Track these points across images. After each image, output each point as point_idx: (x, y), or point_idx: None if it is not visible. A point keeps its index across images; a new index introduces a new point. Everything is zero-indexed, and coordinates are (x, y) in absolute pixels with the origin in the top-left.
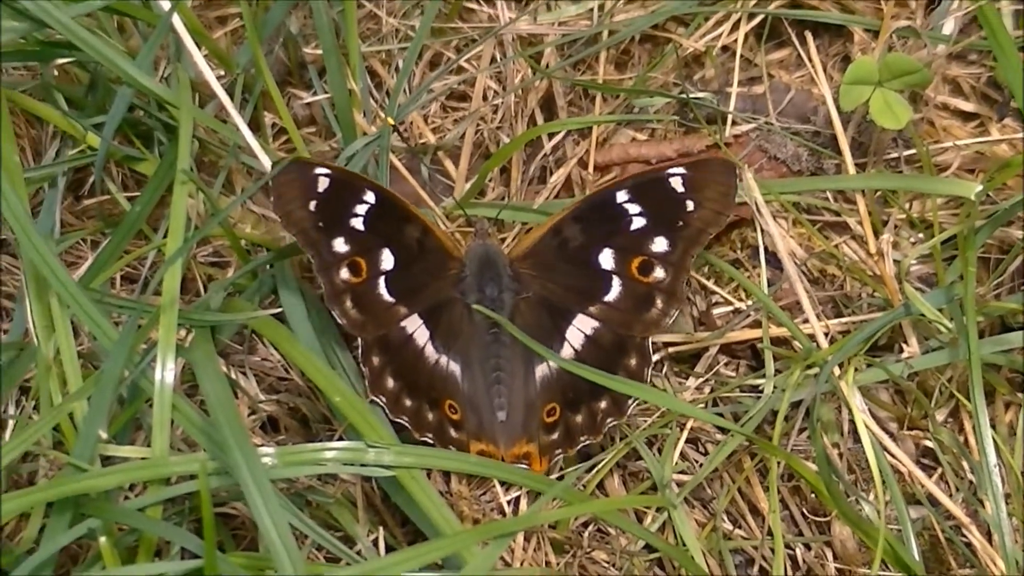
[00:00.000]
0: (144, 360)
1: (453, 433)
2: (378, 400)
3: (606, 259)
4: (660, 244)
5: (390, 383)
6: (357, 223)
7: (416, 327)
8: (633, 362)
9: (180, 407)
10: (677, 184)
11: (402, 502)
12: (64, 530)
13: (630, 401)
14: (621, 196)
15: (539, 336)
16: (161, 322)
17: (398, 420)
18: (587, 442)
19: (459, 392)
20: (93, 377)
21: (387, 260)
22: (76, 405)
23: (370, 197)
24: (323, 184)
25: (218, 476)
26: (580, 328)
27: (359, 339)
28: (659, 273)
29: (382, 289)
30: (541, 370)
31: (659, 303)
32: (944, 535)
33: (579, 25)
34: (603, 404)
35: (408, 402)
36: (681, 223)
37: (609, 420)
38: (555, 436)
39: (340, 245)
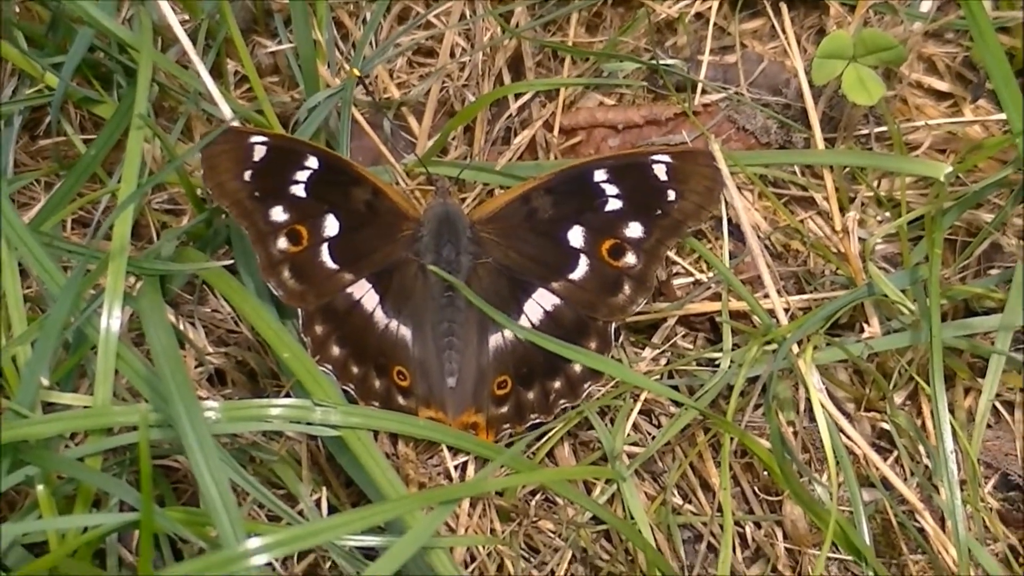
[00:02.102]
0: (91, 307)
1: (401, 400)
2: (324, 367)
3: (576, 236)
4: (635, 229)
5: (335, 351)
6: (298, 190)
7: (364, 292)
8: (594, 345)
9: (125, 356)
10: (660, 172)
11: (347, 463)
12: (2, 476)
13: (586, 384)
14: (599, 175)
15: (496, 304)
16: (109, 269)
17: (345, 387)
18: (537, 421)
19: (409, 357)
20: (38, 322)
21: (331, 226)
22: (19, 349)
23: (313, 162)
24: (259, 152)
25: (161, 428)
26: (540, 302)
27: (299, 309)
28: (630, 259)
29: (325, 256)
30: (495, 339)
31: (627, 289)
32: (897, 519)
33: None
34: (557, 384)
35: (355, 369)
36: (660, 212)
37: (562, 401)
38: (504, 410)
39: (278, 214)
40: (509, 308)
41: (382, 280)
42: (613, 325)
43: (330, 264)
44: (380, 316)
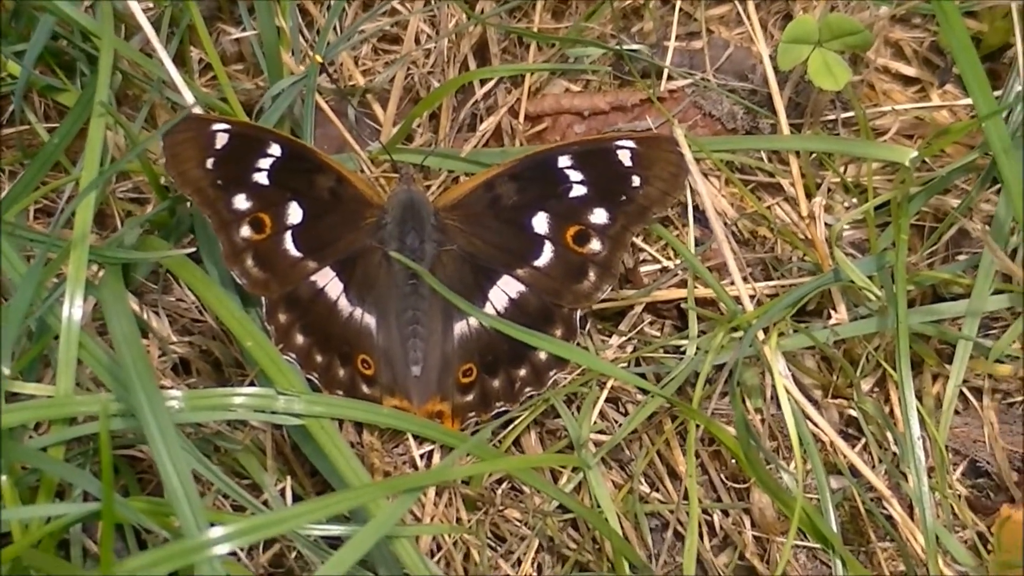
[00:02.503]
0: (53, 295)
1: (365, 388)
2: (288, 355)
3: (540, 223)
4: (599, 216)
5: (299, 339)
6: (261, 178)
7: (328, 280)
8: (559, 333)
9: (87, 345)
10: (624, 157)
11: (311, 452)
12: None
13: (551, 372)
14: (564, 161)
15: (460, 292)
16: (71, 257)
17: (308, 376)
18: (502, 409)
19: (373, 346)
20: None
21: (294, 214)
22: None
23: (276, 150)
24: (221, 140)
25: (124, 418)
26: (504, 289)
27: (263, 298)
28: (595, 245)
29: (288, 244)
30: (460, 327)
31: (592, 275)
32: (864, 507)
33: None
34: (522, 372)
35: (319, 357)
36: (624, 198)
37: (527, 389)
38: (470, 398)
39: (241, 202)
40: (474, 296)
41: (346, 268)
42: (578, 312)
43: (293, 252)
44: (344, 304)
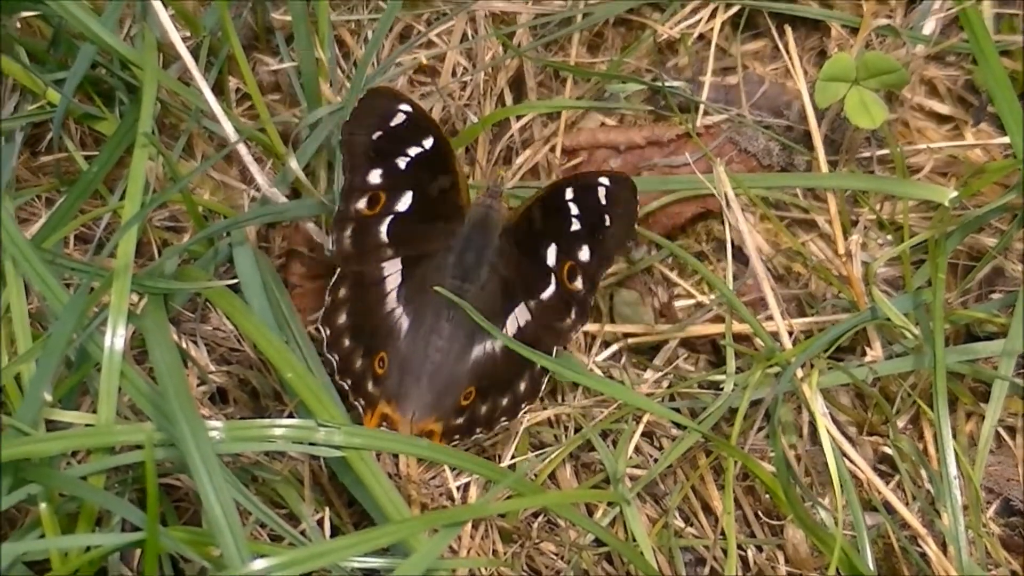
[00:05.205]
0: (93, 324)
1: (370, 387)
2: (323, 331)
3: (551, 255)
4: (585, 253)
5: (342, 319)
6: (402, 162)
7: (392, 272)
8: (538, 368)
9: (128, 374)
10: (601, 194)
11: (350, 483)
12: (4, 494)
13: (524, 404)
14: (568, 193)
15: (487, 316)
16: (114, 287)
17: (328, 356)
18: (479, 436)
19: (397, 348)
20: (41, 339)
21: (405, 202)
22: (23, 367)
23: (428, 143)
24: (399, 119)
25: (163, 447)
26: (518, 318)
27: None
28: (579, 283)
29: (384, 227)
30: (478, 350)
31: (573, 314)
32: (899, 544)
33: (553, 5)
34: (504, 401)
35: (347, 342)
36: (600, 236)
37: (503, 419)
38: (460, 421)
39: (375, 176)
40: (495, 322)
41: (411, 266)
42: (555, 350)
43: (383, 236)
44: (392, 300)
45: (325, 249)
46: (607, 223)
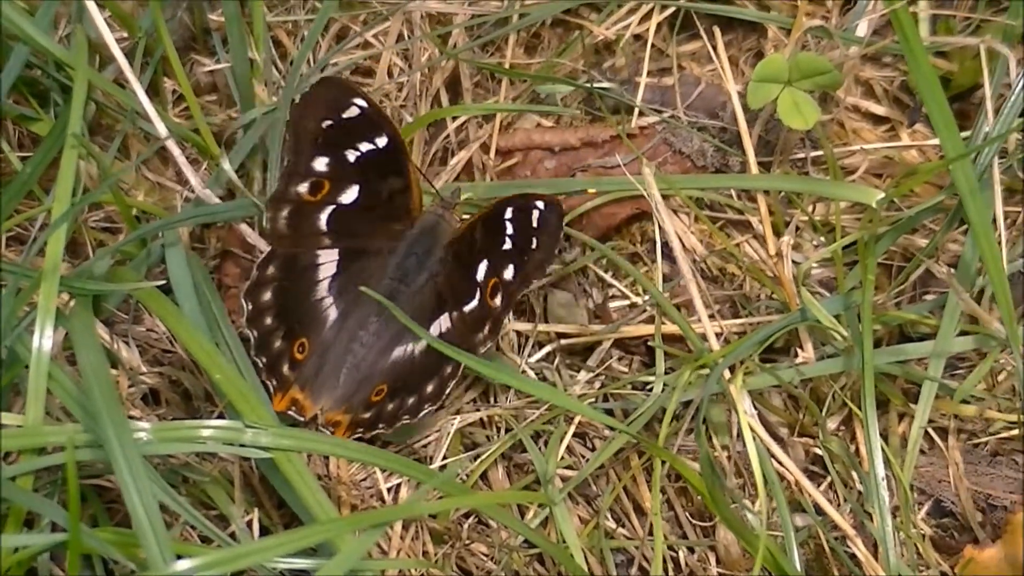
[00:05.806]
0: (20, 325)
1: (285, 370)
2: (245, 304)
3: (482, 270)
4: (509, 271)
5: (267, 297)
6: (351, 155)
7: (327, 261)
8: (448, 371)
9: (56, 375)
10: (535, 217)
11: (278, 484)
12: None
13: (427, 406)
14: (508, 212)
15: (414, 318)
16: (41, 288)
17: (247, 332)
18: (378, 431)
19: (319, 336)
20: None
21: (350, 195)
22: None
23: (382, 142)
24: (352, 112)
25: (93, 448)
26: (440, 326)
27: (267, 246)
28: (498, 300)
29: (324, 216)
30: (399, 351)
31: (487, 329)
32: (828, 546)
33: (490, 6)
34: (411, 401)
35: (268, 320)
36: (526, 257)
37: (405, 417)
38: (367, 415)
39: (321, 164)
40: (420, 326)
41: (349, 259)
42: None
43: (323, 225)
44: (323, 288)
45: (257, 250)
46: (534, 246)
